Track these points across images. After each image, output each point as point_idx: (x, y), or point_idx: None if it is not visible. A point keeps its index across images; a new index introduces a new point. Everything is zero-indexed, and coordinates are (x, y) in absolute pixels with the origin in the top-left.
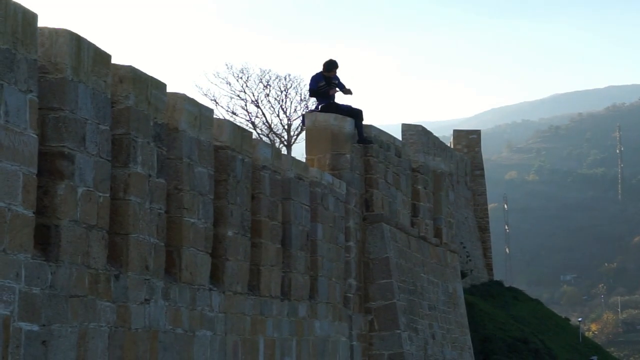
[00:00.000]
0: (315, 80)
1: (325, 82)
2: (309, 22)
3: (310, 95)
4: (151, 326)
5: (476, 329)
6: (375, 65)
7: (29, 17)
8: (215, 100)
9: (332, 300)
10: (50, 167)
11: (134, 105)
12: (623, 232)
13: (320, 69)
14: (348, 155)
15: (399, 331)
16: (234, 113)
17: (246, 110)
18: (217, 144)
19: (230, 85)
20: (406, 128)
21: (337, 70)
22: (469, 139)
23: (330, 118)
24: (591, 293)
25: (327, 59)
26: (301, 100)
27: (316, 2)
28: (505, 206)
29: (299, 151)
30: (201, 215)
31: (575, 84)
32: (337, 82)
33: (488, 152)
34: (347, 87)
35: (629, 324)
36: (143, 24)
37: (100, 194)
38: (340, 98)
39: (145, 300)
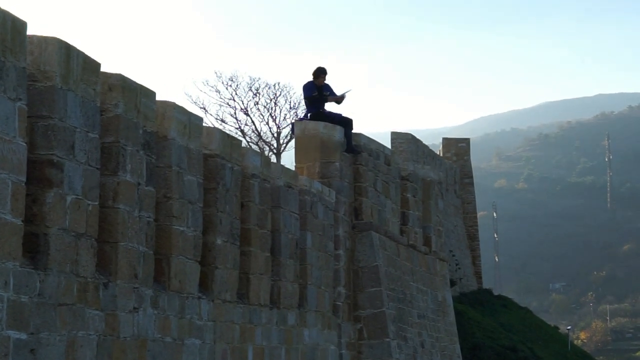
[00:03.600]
0: (308, 88)
1: (317, 91)
2: (298, 32)
3: (305, 102)
4: (140, 335)
5: (465, 338)
6: (364, 73)
7: (18, 25)
8: (204, 108)
9: (321, 308)
10: (39, 175)
11: (123, 113)
12: (612, 240)
13: (310, 77)
14: (337, 164)
15: (388, 340)
16: (223, 121)
17: (235, 118)
18: (207, 152)
19: (219, 93)
20: (395, 136)
21: (327, 77)
22: (458, 147)
23: (320, 126)
24: (580, 301)
25: (316, 67)
26: (290, 108)
27: (306, 12)
28: (495, 214)
29: (289, 159)
30: (190, 223)
31: (564, 92)
32: (328, 93)
33: (477, 160)
34: (339, 95)
35: (617, 333)
36: (132, 32)
37: (89, 202)
38: (332, 106)
39: (134, 308)
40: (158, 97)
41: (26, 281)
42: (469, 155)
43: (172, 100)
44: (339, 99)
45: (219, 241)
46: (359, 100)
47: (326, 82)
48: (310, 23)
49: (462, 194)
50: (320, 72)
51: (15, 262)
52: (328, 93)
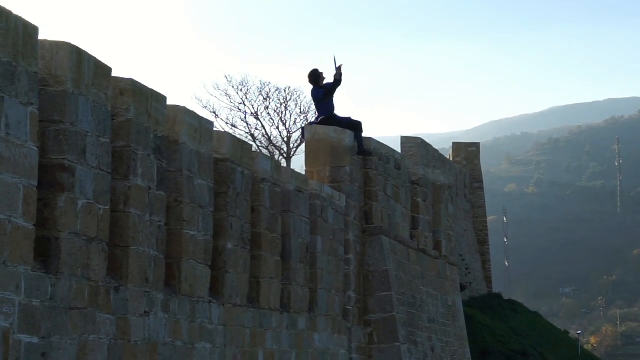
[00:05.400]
0: (316, 93)
1: (324, 90)
2: (309, 37)
3: (317, 106)
4: (151, 338)
5: (475, 342)
6: (374, 77)
7: (30, 30)
8: (214, 112)
9: (331, 312)
10: (50, 179)
11: (135, 117)
12: (622, 244)
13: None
14: (347, 168)
15: (398, 344)
16: (233, 125)
17: (246, 123)
18: (217, 156)
19: (230, 97)
20: (405, 140)
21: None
22: (468, 152)
23: (330, 130)
24: (590, 306)
25: (310, 72)
26: (301, 112)
27: (314, 14)
28: (505, 218)
29: (299, 163)
30: (201, 227)
31: (575, 96)
32: (331, 87)
33: (487, 164)
34: (334, 76)
35: (628, 337)
36: (143, 36)
37: (101, 206)
38: (341, 111)
39: (145, 312)
40: (169, 102)
41: (38, 285)
42: (479, 159)
43: (183, 105)
44: (337, 78)
45: (229, 245)
46: (369, 105)
47: (325, 80)
48: (321, 28)
49: (472, 198)
50: (316, 77)
51: (26, 266)
52: (329, 86)
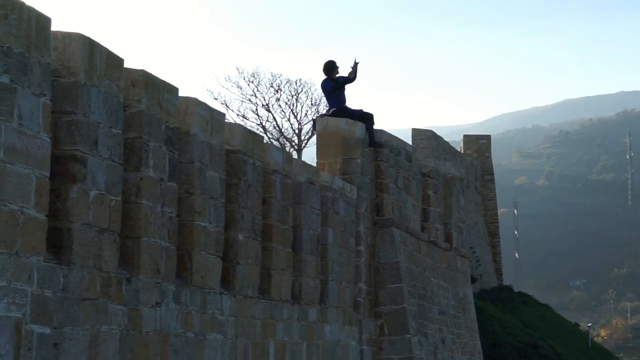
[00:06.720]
0: (326, 84)
1: (334, 81)
2: (321, 30)
3: (327, 98)
4: (162, 329)
5: (486, 334)
6: (385, 70)
7: (43, 21)
8: (226, 104)
9: (342, 304)
10: (62, 170)
11: (146, 109)
12: (632, 237)
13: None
14: (359, 160)
15: (409, 336)
16: (244, 117)
17: (257, 114)
18: (229, 148)
19: (241, 89)
20: (416, 133)
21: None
22: (479, 144)
23: (341, 122)
24: (600, 298)
25: (325, 63)
26: (312, 104)
27: (329, 10)
28: (515, 211)
29: (310, 155)
30: (212, 218)
31: (586, 89)
32: (342, 81)
33: (498, 157)
34: (349, 73)
35: (638, 330)
36: (154, 28)
37: (112, 197)
38: (352, 103)
39: (157, 303)
40: (180, 93)
41: (50, 276)
42: (489, 152)
43: (194, 96)
44: (352, 75)
45: (240, 237)
46: (381, 97)
47: (339, 74)
48: (334, 21)
49: (483, 191)
50: (332, 67)
51: (39, 256)
52: (342, 81)
